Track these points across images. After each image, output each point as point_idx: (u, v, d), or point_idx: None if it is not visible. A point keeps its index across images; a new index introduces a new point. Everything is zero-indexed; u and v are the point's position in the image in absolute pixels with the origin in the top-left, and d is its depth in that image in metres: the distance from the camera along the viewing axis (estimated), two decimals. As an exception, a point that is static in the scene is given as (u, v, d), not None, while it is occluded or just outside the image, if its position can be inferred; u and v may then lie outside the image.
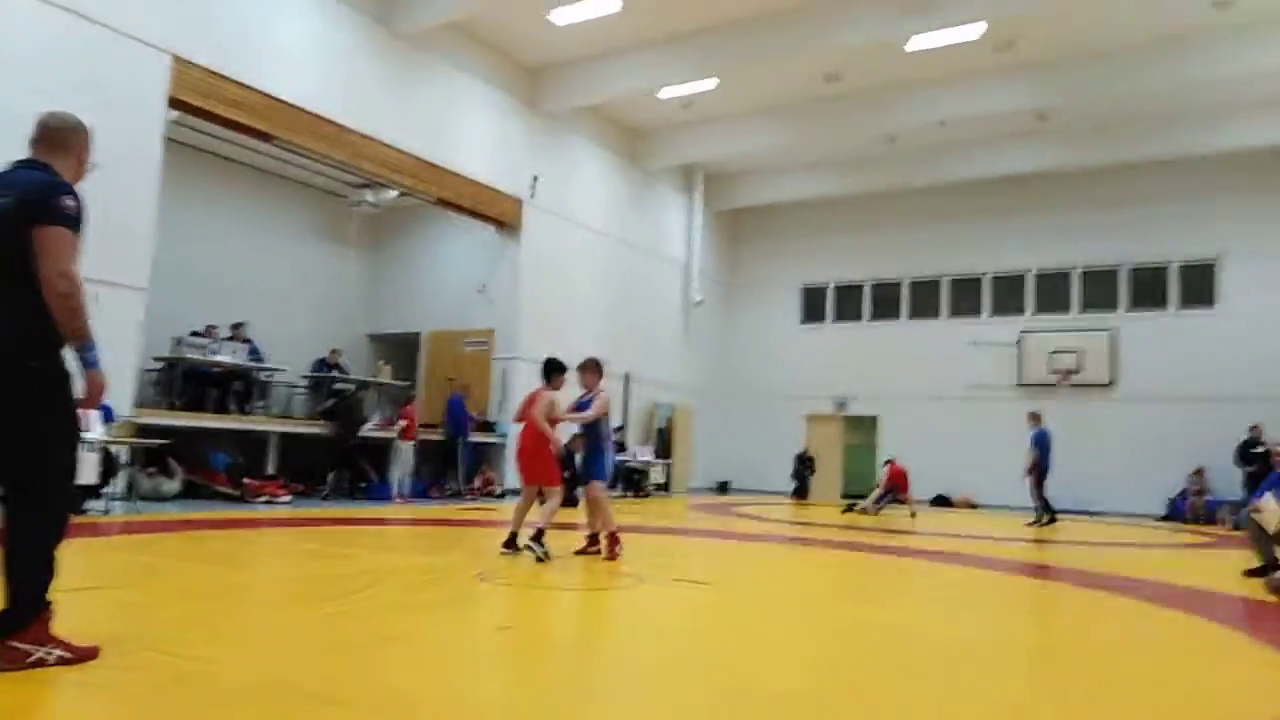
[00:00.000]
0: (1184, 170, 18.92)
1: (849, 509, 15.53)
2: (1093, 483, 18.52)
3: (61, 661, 2.97)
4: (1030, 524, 13.82)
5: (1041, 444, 13.83)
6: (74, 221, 3.03)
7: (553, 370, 7.18)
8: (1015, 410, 19.49)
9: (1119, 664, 3.92)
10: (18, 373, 2.92)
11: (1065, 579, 7.08)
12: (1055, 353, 19.71)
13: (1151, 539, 12.32)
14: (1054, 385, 19.56)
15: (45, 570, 2.98)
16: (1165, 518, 17.67)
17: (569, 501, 10.34)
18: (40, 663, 2.93)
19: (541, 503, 6.88)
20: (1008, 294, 20.84)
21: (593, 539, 7.12)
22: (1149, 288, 19.48)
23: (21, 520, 2.96)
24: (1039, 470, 13.79)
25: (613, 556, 6.75)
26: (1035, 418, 14.25)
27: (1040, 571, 7.85)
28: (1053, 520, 13.81)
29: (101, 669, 3.00)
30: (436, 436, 14.50)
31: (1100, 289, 19.92)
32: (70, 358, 3.07)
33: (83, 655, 3.04)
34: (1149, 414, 18.73)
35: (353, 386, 14.57)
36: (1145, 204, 19.45)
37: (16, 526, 2.95)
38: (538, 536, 6.41)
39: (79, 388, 3.05)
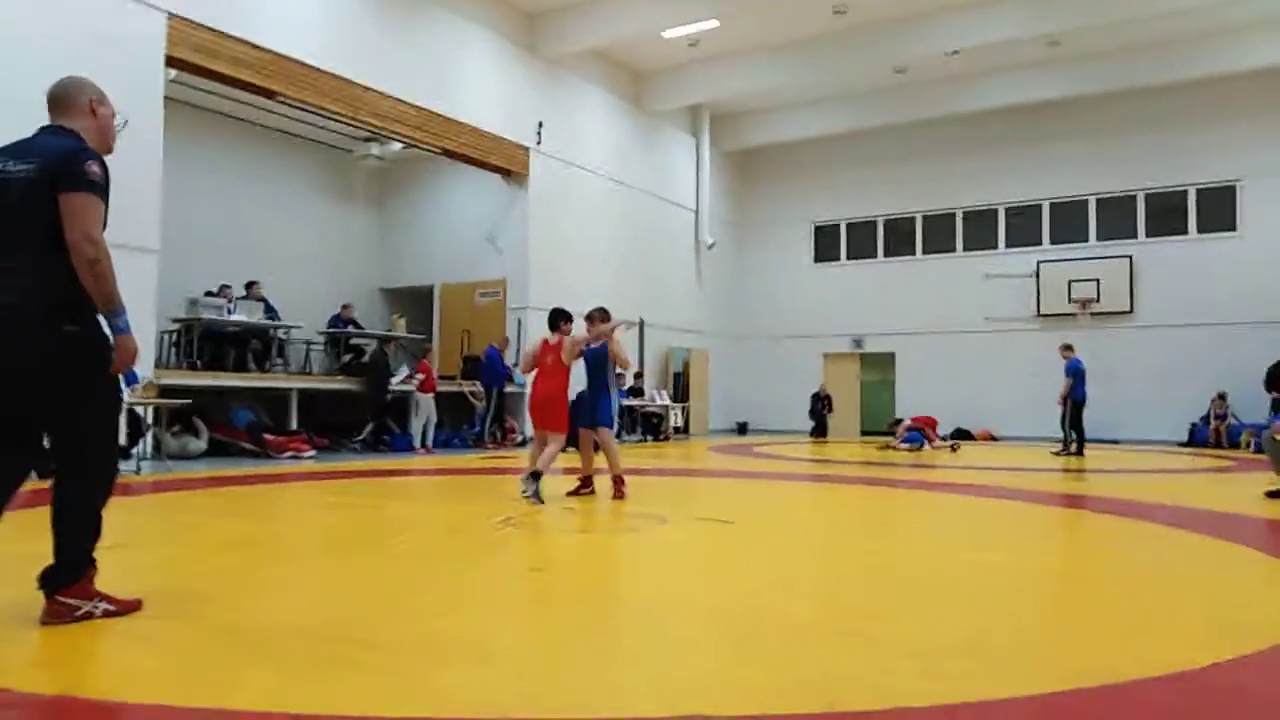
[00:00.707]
0: (1202, 93, 18.49)
1: (886, 446, 15.67)
2: (1114, 411, 18.46)
3: (107, 614, 3.06)
4: (1057, 453, 13.88)
5: (1076, 374, 13.82)
6: (99, 187, 2.99)
7: (559, 319, 7.26)
8: (1035, 342, 19.45)
9: (1141, 586, 3.95)
10: (56, 339, 2.92)
11: (1088, 506, 7.10)
12: (1074, 282, 19.52)
13: (1173, 464, 12.32)
14: (1073, 315, 19.42)
15: (92, 530, 3.07)
16: (1187, 444, 17.65)
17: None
18: (88, 616, 3.02)
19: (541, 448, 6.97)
20: (1024, 225, 20.58)
21: (585, 481, 7.25)
22: (1167, 213, 19.18)
23: (68, 483, 3.03)
24: (1074, 400, 13.79)
25: (620, 496, 6.92)
26: (1068, 349, 14.28)
27: (1063, 500, 7.88)
28: (1080, 451, 13.80)
29: (146, 621, 3.08)
30: (452, 388, 14.59)
31: (1118, 217, 19.64)
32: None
33: (127, 607, 3.13)
34: (1170, 340, 18.62)
35: (375, 342, 14.64)
36: (1162, 129, 19.05)
37: (64, 488, 3.02)
38: (535, 475, 6.51)
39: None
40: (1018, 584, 4.00)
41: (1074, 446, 13.81)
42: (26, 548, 3.37)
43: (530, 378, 7.35)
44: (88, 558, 3.07)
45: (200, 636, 2.88)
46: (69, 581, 3.01)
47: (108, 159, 3.15)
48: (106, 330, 3.04)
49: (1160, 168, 19.09)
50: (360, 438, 13.04)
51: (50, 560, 3.02)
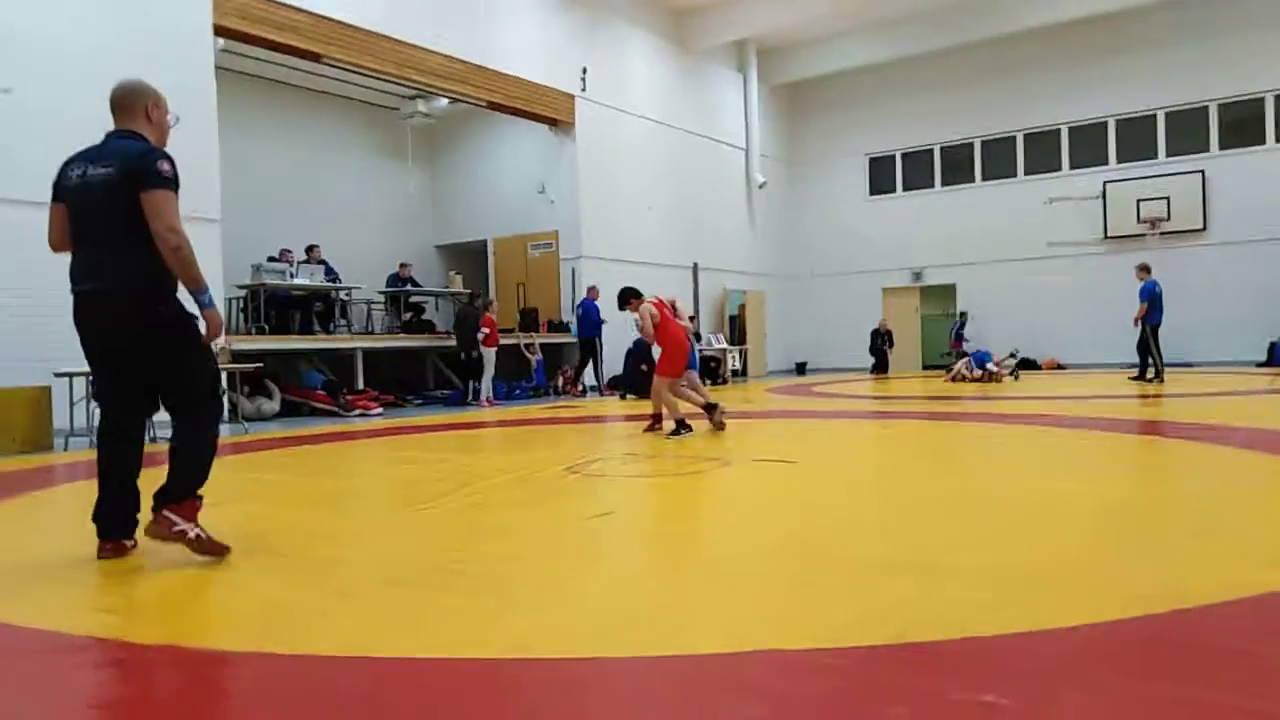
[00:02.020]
0: (1279, -10, 17.40)
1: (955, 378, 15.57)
2: (1189, 333, 17.88)
3: (199, 539, 3.38)
4: (1133, 378, 13.45)
5: (1150, 296, 13.28)
6: (173, 183, 3.31)
7: (630, 297, 8.08)
8: (1103, 266, 18.83)
9: (1216, 511, 3.88)
10: (152, 319, 3.36)
11: (1161, 431, 6.95)
12: (1142, 201, 18.78)
13: (1251, 385, 11.93)
14: (1142, 236, 18.73)
15: (203, 466, 3.49)
16: (1265, 363, 17.05)
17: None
18: (182, 534, 3.36)
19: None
20: (1088, 145, 19.79)
21: (656, 419, 8.02)
22: (1241, 124, 18.26)
23: (184, 432, 3.50)
24: (1150, 325, 13.28)
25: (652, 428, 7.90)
26: (1144, 270, 13.63)
27: (1135, 426, 7.71)
28: (1159, 376, 13.28)
29: (233, 571, 3.24)
30: (509, 341, 14.76)
31: (1188, 130, 18.75)
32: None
33: (218, 548, 3.42)
34: (1246, 257, 17.87)
35: (463, 297, 14.90)
36: (1234, 33, 18.01)
37: (181, 435, 3.50)
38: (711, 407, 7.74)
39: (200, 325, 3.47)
40: (1089, 512, 3.96)
41: (1151, 373, 13.33)
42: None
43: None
44: (194, 488, 3.45)
45: (285, 587, 3.02)
46: (177, 499, 3.39)
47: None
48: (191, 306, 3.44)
49: (1233, 76, 18.10)
50: (448, 392, 13.56)
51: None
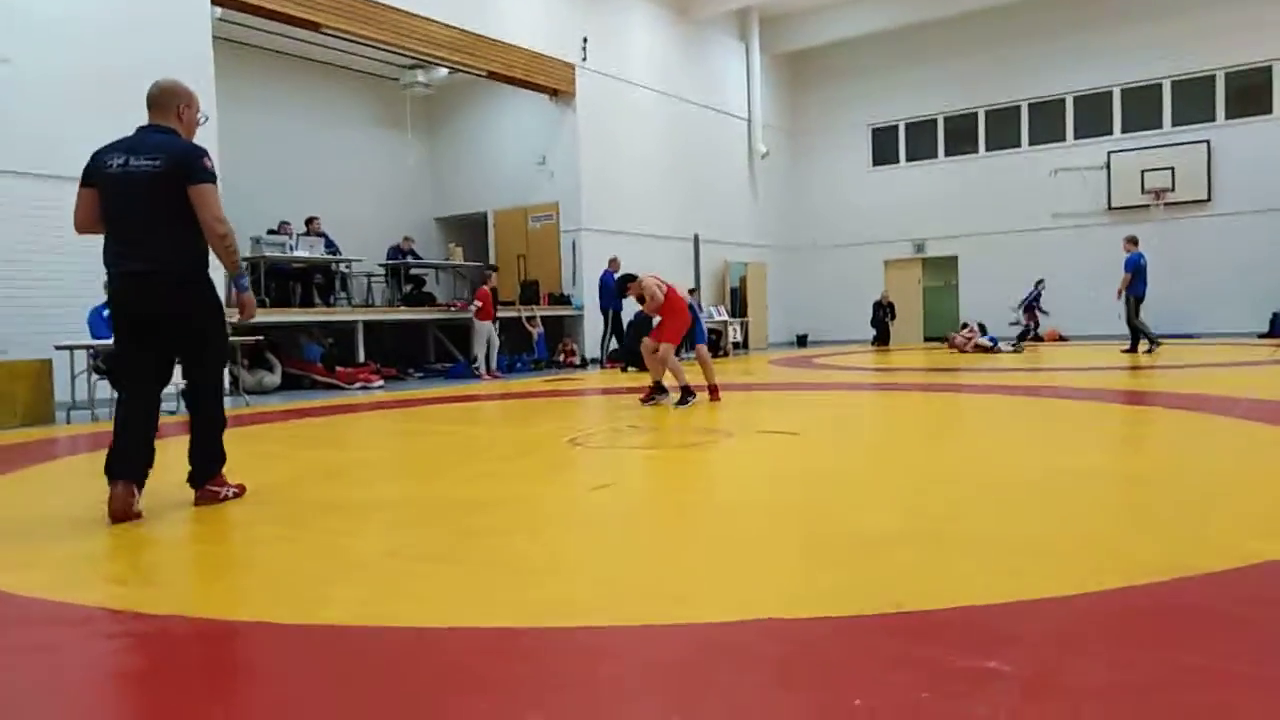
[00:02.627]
0: (1289, -44, 17.18)
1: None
2: (1193, 303, 17.88)
3: (236, 495, 4.04)
4: (1126, 350, 13.47)
5: (1135, 269, 13.25)
6: (215, 177, 3.74)
7: (627, 282, 8.13)
8: (1108, 236, 18.73)
9: (1218, 482, 3.89)
10: (194, 292, 3.80)
11: (1162, 403, 6.95)
12: (1147, 172, 18.67)
13: (1253, 356, 11.92)
14: (1147, 207, 18.64)
15: (220, 437, 4.03)
16: (1268, 334, 17.04)
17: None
18: (226, 498, 4.00)
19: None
20: (1093, 115, 19.64)
21: (653, 390, 8.05)
22: (1248, 93, 18.10)
23: (202, 404, 3.96)
24: (1133, 296, 13.27)
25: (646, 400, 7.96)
26: (1132, 242, 13.58)
27: (1136, 398, 7.72)
28: (1153, 346, 13.31)
29: (239, 542, 3.27)
30: (511, 314, 14.75)
31: (1194, 99, 18.59)
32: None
33: (242, 490, 4.12)
34: (1250, 228, 17.80)
35: (494, 268, 14.96)
36: (1240, 1, 17.78)
37: (199, 407, 3.97)
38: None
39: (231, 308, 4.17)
40: (1090, 483, 3.97)
41: (1144, 346, 13.33)
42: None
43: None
44: (220, 462, 4.03)
45: (292, 559, 3.04)
46: (213, 474, 4.00)
47: None
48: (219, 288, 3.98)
49: (1240, 43, 17.92)
50: (449, 365, 13.83)
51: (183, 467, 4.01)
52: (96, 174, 3.73)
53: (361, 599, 2.54)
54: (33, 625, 2.42)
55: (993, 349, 15.41)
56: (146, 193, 3.65)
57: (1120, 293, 13.41)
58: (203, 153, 3.75)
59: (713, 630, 2.15)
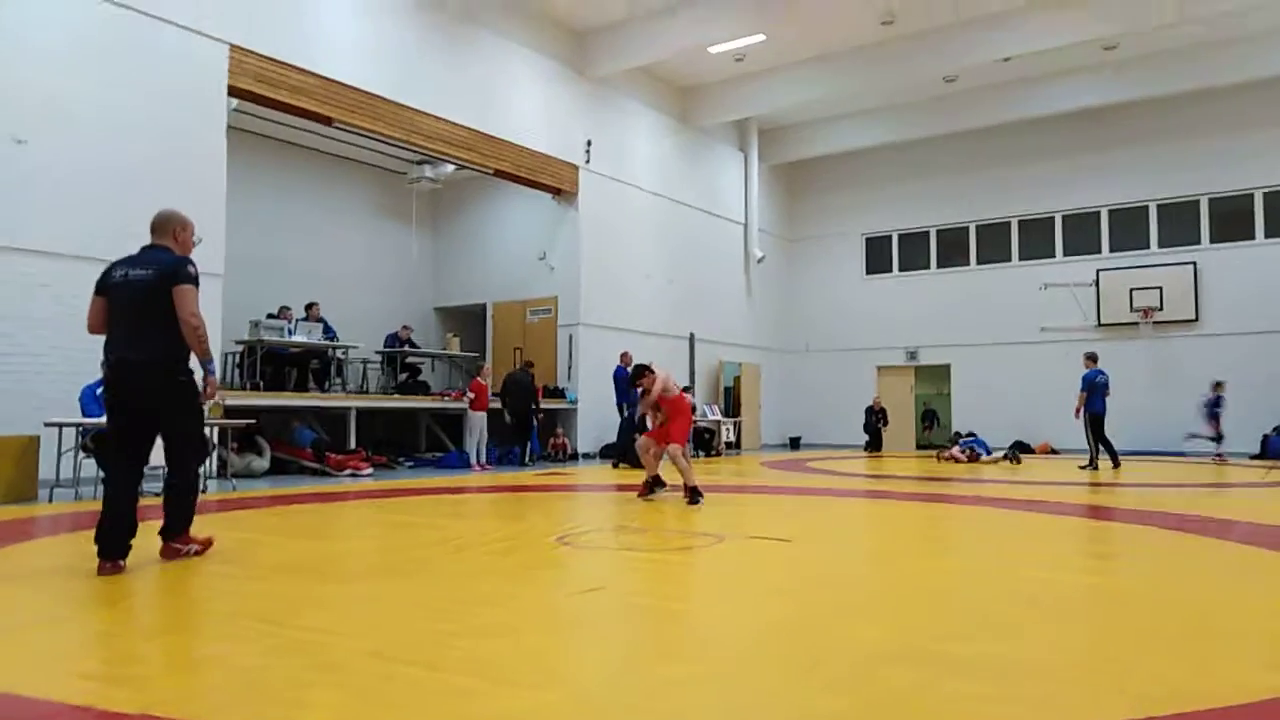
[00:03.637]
0: (1265, 93, 17.97)
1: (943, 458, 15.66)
2: (1181, 422, 17.92)
3: (198, 551, 4.77)
4: (1083, 467, 13.39)
5: (1089, 386, 13.32)
6: (195, 280, 4.54)
7: (643, 373, 8.43)
8: (1098, 352, 18.93)
9: (1218, 607, 3.82)
10: (172, 380, 4.60)
11: (1154, 522, 6.89)
12: (1135, 290, 19.02)
13: (1246, 478, 11.90)
14: (1135, 324, 18.92)
15: (193, 498, 4.78)
16: (1259, 455, 17.04)
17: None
18: (188, 554, 4.71)
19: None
20: (1082, 233, 20.15)
21: (649, 485, 8.31)
22: (1232, 218, 18.64)
23: (178, 469, 4.72)
24: (1091, 414, 13.30)
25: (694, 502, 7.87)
26: (1090, 359, 13.71)
27: (1131, 516, 7.66)
28: (1115, 465, 13.27)
29: (213, 638, 3.16)
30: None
31: (1180, 222, 19.12)
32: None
33: (207, 545, 4.87)
34: (1238, 348, 18.04)
35: (519, 371, 15.04)
36: (1225, 131, 18.53)
37: (175, 472, 4.72)
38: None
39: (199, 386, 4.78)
40: (1087, 603, 3.90)
41: (1106, 463, 13.26)
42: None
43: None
44: (190, 517, 4.74)
45: (266, 655, 2.94)
46: (179, 532, 4.72)
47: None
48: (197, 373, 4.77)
49: (1224, 171, 18.56)
50: (525, 455, 14.09)
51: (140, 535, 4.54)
52: (105, 284, 4.62)
53: (337, 703, 2.44)
54: (-8, 720, 2.31)
55: (973, 457, 15.40)
56: (141, 298, 4.49)
57: (1078, 411, 13.43)
58: (187, 262, 4.59)
59: (703, 752, 2.06)
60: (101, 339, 4.63)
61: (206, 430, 8.91)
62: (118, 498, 4.45)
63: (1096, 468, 13.21)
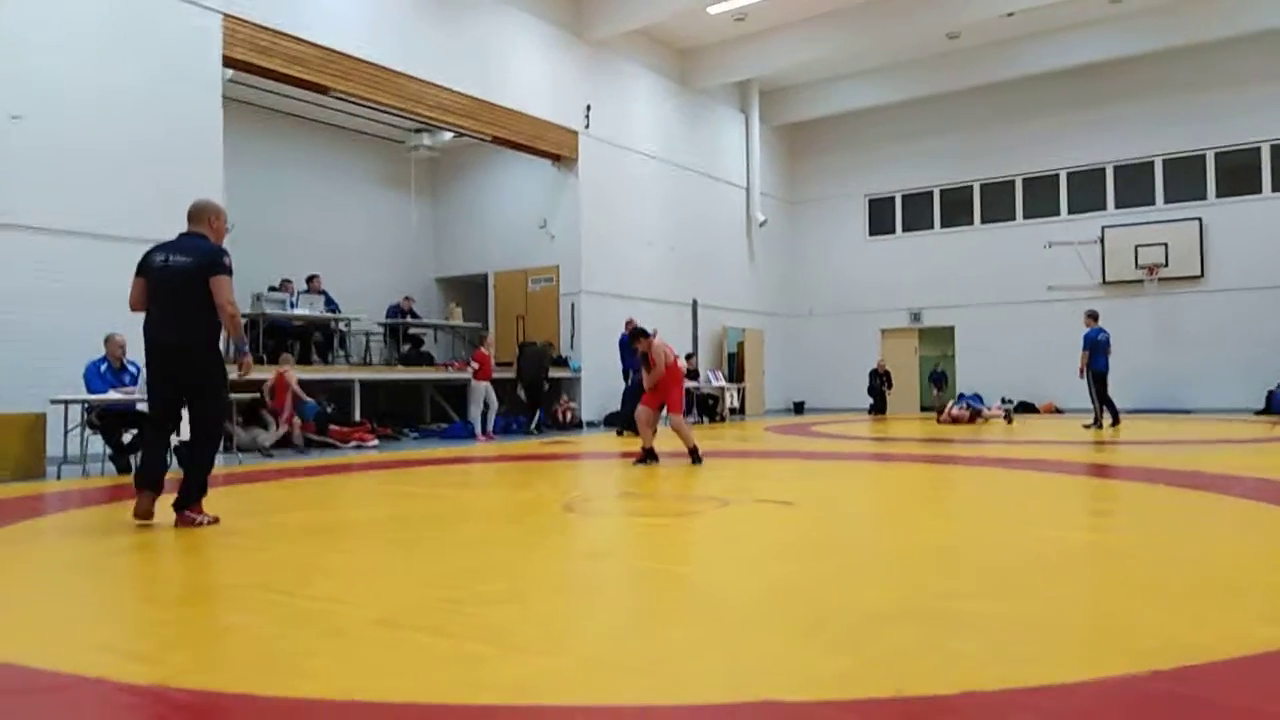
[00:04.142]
0: (1271, 45, 17.71)
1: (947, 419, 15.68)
2: (1187, 379, 17.95)
3: (211, 522, 5.00)
4: (1087, 425, 13.40)
5: (1091, 344, 13.30)
6: (230, 270, 5.00)
7: (641, 335, 8.61)
8: (1101, 310, 18.83)
9: (1219, 562, 3.84)
10: (205, 360, 5.06)
11: (1159, 479, 6.91)
12: (1140, 247, 18.90)
13: (1250, 434, 11.91)
14: (1141, 281, 18.83)
15: (209, 470, 5.11)
16: (1264, 411, 17.05)
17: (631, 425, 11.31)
18: (200, 524, 4.95)
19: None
20: (1086, 190, 19.98)
21: (645, 454, 8.45)
22: (1238, 172, 18.45)
23: (199, 439, 5.13)
24: (1094, 372, 13.29)
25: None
26: (1091, 317, 13.67)
27: (1133, 473, 7.68)
28: (1115, 423, 13.30)
29: (224, 609, 3.19)
30: (509, 375, 14.75)
31: (1185, 177, 18.94)
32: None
33: (213, 519, 5.05)
34: (1244, 304, 17.97)
35: (540, 344, 15.40)
36: (1230, 85, 18.28)
37: (196, 443, 5.12)
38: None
39: (232, 367, 5.40)
40: (1089, 561, 3.92)
41: (1107, 421, 13.28)
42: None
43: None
44: (204, 488, 5.08)
45: (274, 625, 2.97)
46: (193, 502, 5.03)
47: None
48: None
49: (1230, 125, 18.35)
50: (532, 423, 14.38)
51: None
52: (146, 267, 5.03)
53: (345, 671, 2.47)
54: (6, 695, 2.35)
55: (974, 417, 15.50)
56: (181, 283, 4.93)
57: (1081, 370, 13.42)
58: (223, 252, 5.02)
59: (709, 713, 2.09)
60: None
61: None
62: (154, 444, 5.22)
63: (1101, 426, 13.23)
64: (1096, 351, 13.34)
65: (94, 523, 5.61)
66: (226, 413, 5.49)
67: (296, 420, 11.11)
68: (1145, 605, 3.13)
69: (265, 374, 11.43)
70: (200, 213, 5.18)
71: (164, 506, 5.08)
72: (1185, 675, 2.30)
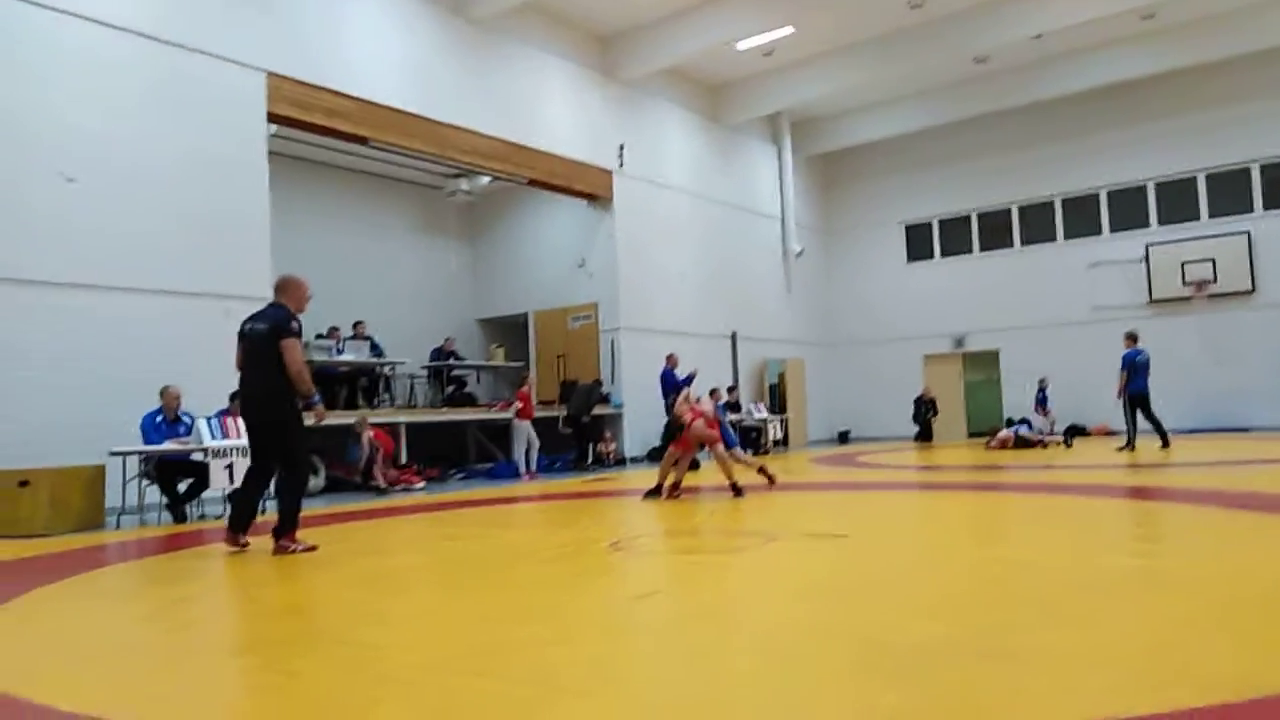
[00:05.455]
0: (1313, 53, 17.35)
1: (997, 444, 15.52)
2: (1243, 396, 17.48)
3: (304, 549, 5.79)
4: (1120, 449, 13.11)
5: (1129, 366, 13.10)
6: (296, 334, 5.88)
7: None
8: (1149, 329, 18.42)
9: (1275, 590, 3.72)
10: (279, 408, 5.91)
11: (1213, 501, 6.72)
12: (1187, 264, 18.52)
13: (1312, 451, 11.53)
14: (1189, 299, 18.43)
15: (299, 502, 6.00)
16: (1324, 427, 16.50)
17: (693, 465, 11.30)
18: (294, 550, 5.76)
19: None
20: (1129, 208, 19.66)
21: (674, 486, 8.67)
22: (1286, 184, 18.04)
23: (290, 477, 6.01)
24: (1131, 394, 13.08)
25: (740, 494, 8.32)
26: (1130, 338, 13.50)
27: (1185, 496, 7.48)
28: (1165, 444, 12.90)
29: (277, 655, 3.24)
30: (553, 413, 14.83)
31: (1230, 191, 18.56)
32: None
33: (311, 547, 5.86)
34: (1299, 318, 17.45)
35: (589, 382, 15.65)
36: (1273, 95, 17.93)
37: (287, 480, 6.01)
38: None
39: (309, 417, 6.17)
40: (1145, 588, 3.82)
41: (1154, 444, 12.96)
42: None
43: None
44: (296, 519, 5.91)
45: (329, 671, 3.01)
46: (287, 532, 5.83)
47: None
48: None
49: (1274, 135, 17.97)
50: (587, 459, 14.63)
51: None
52: (240, 334, 6.03)
53: (399, 718, 2.49)
54: (76, 744, 2.40)
55: (1035, 443, 15.16)
56: (259, 346, 5.87)
57: (1120, 392, 13.21)
58: (291, 318, 5.92)
59: (764, 754, 2.07)
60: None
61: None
62: (245, 489, 6.18)
63: (1134, 449, 12.98)
64: (1135, 373, 13.12)
65: (154, 573, 5.73)
66: (304, 453, 6.24)
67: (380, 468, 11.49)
68: (1207, 634, 3.04)
69: (308, 420, 11.61)
70: (281, 287, 6.16)
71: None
72: (1258, 710, 2.23)
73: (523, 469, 13.28)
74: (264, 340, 5.84)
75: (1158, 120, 19.13)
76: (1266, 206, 18.20)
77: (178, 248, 9.97)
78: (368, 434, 11.47)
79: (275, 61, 11.22)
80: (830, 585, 4.30)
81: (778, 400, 20.12)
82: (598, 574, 4.94)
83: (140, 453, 8.33)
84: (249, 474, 6.21)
